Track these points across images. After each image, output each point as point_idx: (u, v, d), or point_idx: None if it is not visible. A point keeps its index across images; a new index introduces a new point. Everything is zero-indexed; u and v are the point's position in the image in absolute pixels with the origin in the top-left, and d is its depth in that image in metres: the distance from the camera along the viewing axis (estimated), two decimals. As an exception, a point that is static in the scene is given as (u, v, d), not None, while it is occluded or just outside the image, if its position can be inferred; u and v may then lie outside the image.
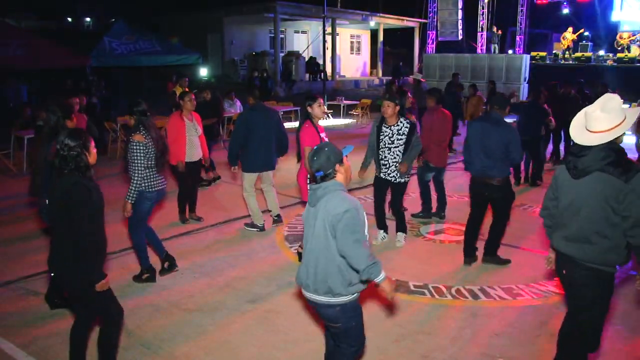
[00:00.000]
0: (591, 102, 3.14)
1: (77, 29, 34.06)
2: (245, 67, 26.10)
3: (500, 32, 23.64)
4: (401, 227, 5.91)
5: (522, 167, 8.50)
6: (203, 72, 23.03)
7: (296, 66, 25.13)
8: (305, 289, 3.00)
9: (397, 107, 5.48)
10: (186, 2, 28.26)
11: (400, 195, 5.83)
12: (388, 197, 5.93)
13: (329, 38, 23.40)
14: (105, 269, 3.29)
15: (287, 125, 10.34)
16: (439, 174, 6.76)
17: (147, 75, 17.28)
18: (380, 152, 5.59)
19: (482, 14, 23.20)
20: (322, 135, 5.17)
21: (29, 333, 4.11)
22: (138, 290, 4.85)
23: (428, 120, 6.64)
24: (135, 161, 4.68)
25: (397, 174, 5.58)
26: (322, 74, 22.39)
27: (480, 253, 5.43)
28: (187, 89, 8.59)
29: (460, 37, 23.47)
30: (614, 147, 2.92)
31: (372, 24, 29.42)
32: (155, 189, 4.85)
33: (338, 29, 28.30)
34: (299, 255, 5.48)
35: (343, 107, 17.17)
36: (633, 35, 21.12)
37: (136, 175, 4.68)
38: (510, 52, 23.00)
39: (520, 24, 22.86)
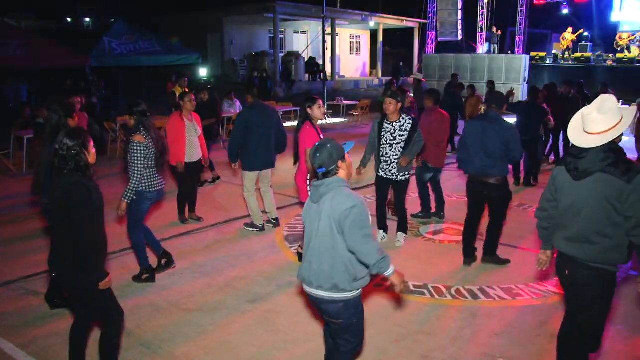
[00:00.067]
0: (590, 102, 3.14)
1: (77, 29, 34.05)
2: (245, 67, 26.11)
3: (500, 32, 23.64)
4: (402, 227, 5.92)
5: (522, 167, 8.51)
6: (203, 72, 23.02)
7: (296, 66, 25.14)
8: (308, 285, 3.00)
9: (399, 105, 5.50)
10: (186, 2, 28.26)
11: (403, 193, 5.83)
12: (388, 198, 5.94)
13: (328, 38, 23.40)
14: (106, 269, 3.29)
15: (287, 124, 10.34)
16: (437, 174, 6.79)
17: (147, 75, 17.29)
18: (382, 149, 5.59)
19: (482, 14, 23.21)
20: (322, 136, 5.19)
21: (29, 333, 4.11)
22: (138, 290, 4.85)
23: (426, 120, 6.66)
24: (135, 161, 4.68)
25: (397, 171, 5.58)
26: (322, 74, 22.40)
27: (479, 253, 5.44)
28: (186, 89, 8.59)
29: (460, 38, 23.47)
30: (613, 148, 2.93)
31: (371, 24, 29.43)
32: (155, 189, 4.87)
33: (338, 29, 28.31)
34: (299, 255, 5.48)
35: (342, 107, 17.18)
36: (632, 35, 21.14)
37: (135, 175, 4.69)
38: (509, 52, 23.01)
39: (520, 24, 22.87)
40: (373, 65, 33.15)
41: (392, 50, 34.84)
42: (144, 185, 4.77)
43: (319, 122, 5.48)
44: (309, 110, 5.26)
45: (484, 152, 5.03)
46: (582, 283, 3.08)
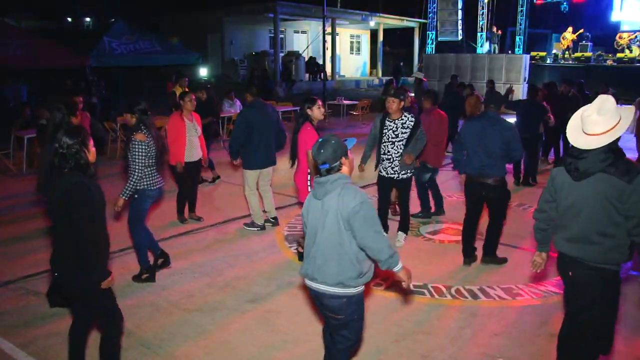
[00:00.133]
0: (590, 102, 3.14)
1: (77, 29, 34.04)
2: (245, 67, 26.12)
3: (500, 32, 23.62)
4: (404, 226, 5.91)
5: (522, 167, 8.51)
6: (203, 72, 23.06)
7: (296, 66, 25.16)
8: (312, 281, 3.00)
9: (402, 103, 5.51)
10: (186, 2, 28.27)
11: (407, 192, 5.82)
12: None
13: (328, 38, 23.42)
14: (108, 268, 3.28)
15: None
16: (434, 173, 6.83)
17: (147, 75, 17.30)
18: (383, 147, 5.58)
19: (482, 14, 23.18)
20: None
21: (29, 333, 4.11)
22: (138, 290, 4.85)
23: (425, 121, 6.66)
24: (136, 160, 4.69)
25: (399, 169, 5.58)
26: (322, 74, 22.40)
27: (479, 253, 5.43)
28: (186, 89, 8.60)
29: (460, 37, 23.46)
30: (613, 148, 2.93)
31: (372, 24, 29.44)
32: (156, 187, 4.90)
33: (338, 29, 28.31)
34: (299, 254, 5.48)
35: (343, 107, 17.18)
36: (632, 35, 21.13)
37: (135, 173, 4.69)
38: (510, 52, 22.99)
39: (520, 24, 22.85)
40: (373, 65, 33.16)
41: (392, 50, 34.85)
42: (145, 183, 4.78)
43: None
44: (308, 111, 5.25)
45: (484, 152, 5.03)
46: (583, 282, 3.08)
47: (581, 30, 22.49)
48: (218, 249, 5.90)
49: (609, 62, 20.64)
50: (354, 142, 3.08)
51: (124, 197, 4.71)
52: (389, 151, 5.57)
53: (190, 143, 6.41)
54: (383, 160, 5.63)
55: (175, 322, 4.29)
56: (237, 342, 4.01)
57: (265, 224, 6.50)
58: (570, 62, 21.88)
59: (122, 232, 5.47)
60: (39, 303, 4.55)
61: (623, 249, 2.96)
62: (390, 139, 5.53)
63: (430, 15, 23.82)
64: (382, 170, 5.69)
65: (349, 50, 32.68)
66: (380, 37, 30.75)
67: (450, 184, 8.39)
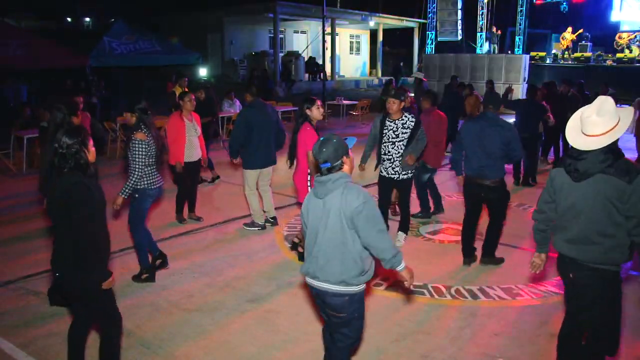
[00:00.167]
0: (590, 103, 3.14)
1: (77, 29, 34.05)
2: (245, 67, 26.13)
3: (499, 32, 23.63)
4: (404, 226, 5.92)
5: (522, 167, 8.51)
6: (203, 72, 23.04)
7: (296, 66, 25.16)
8: (314, 279, 3.00)
9: (402, 104, 5.51)
10: (186, 2, 28.28)
11: (408, 192, 5.83)
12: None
13: (328, 38, 23.42)
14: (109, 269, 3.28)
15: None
16: (432, 173, 6.85)
17: (147, 75, 17.30)
18: (384, 147, 5.59)
19: (482, 14, 23.18)
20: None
21: (29, 333, 4.11)
22: (138, 290, 4.85)
23: (424, 121, 6.66)
24: (137, 159, 4.69)
25: (401, 169, 5.58)
26: (322, 74, 22.41)
27: (479, 253, 5.44)
28: (186, 89, 8.60)
29: (459, 37, 23.46)
30: (613, 149, 2.93)
31: (371, 24, 29.45)
32: (156, 186, 4.90)
33: (337, 29, 28.32)
34: (299, 254, 5.49)
35: (342, 107, 17.18)
36: (632, 35, 21.13)
37: (136, 172, 4.69)
38: (509, 52, 23.00)
39: (520, 24, 22.85)
40: (373, 65, 33.18)
41: (392, 50, 34.87)
42: (145, 182, 4.79)
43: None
44: (308, 112, 5.26)
45: (483, 152, 5.03)
46: (583, 283, 3.09)
47: (581, 30, 22.50)
48: (218, 249, 5.90)
49: (609, 62, 20.64)
50: (355, 141, 3.09)
51: (123, 196, 4.71)
52: (389, 151, 5.57)
53: (190, 143, 6.42)
54: (384, 161, 5.64)
55: (175, 322, 4.29)
56: (237, 342, 4.01)
57: (265, 223, 6.51)
58: (570, 62, 21.89)
59: (122, 232, 5.47)
60: (39, 303, 4.55)
61: (623, 249, 2.96)
62: (390, 139, 5.53)
63: (430, 15, 23.81)
64: (383, 171, 5.69)
65: (349, 50, 32.69)
66: (380, 37, 30.75)
67: (449, 184, 8.39)
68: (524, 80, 18.82)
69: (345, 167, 2.95)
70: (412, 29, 31.58)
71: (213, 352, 3.88)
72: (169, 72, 15.55)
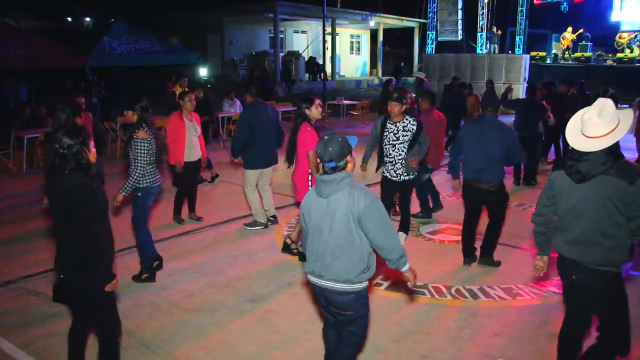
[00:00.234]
0: (591, 103, 3.13)
1: (77, 29, 34.06)
2: (245, 67, 26.13)
3: (500, 32, 23.63)
4: (404, 227, 5.92)
5: (522, 167, 8.50)
6: (203, 72, 23.06)
7: (296, 66, 25.17)
8: (319, 278, 3.00)
9: (404, 107, 5.52)
10: (186, 2, 28.29)
11: (409, 193, 5.84)
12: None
13: (328, 38, 23.42)
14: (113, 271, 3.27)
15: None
16: (431, 173, 6.87)
17: (147, 75, 17.30)
18: (385, 149, 5.59)
19: (482, 14, 23.19)
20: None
21: (29, 333, 4.11)
22: (138, 290, 4.85)
23: (425, 121, 6.67)
24: (139, 157, 4.69)
25: (403, 171, 5.58)
26: (322, 74, 22.41)
27: (479, 253, 5.43)
28: (186, 89, 8.61)
29: (460, 37, 23.46)
30: (613, 150, 2.93)
31: (371, 23, 29.45)
32: (157, 184, 4.92)
33: (338, 29, 28.32)
34: (299, 254, 5.48)
35: (342, 107, 17.18)
36: (632, 34, 21.14)
37: (137, 171, 4.70)
38: (510, 52, 23.00)
39: (520, 24, 22.85)
40: (373, 65, 33.18)
41: (392, 50, 34.89)
42: (147, 181, 4.80)
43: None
44: (307, 111, 5.26)
45: (483, 154, 5.01)
46: (583, 285, 3.09)
47: (581, 30, 22.51)
48: (218, 249, 5.90)
49: (609, 62, 20.66)
50: (355, 140, 3.08)
51: (124, 193, 4.72)
52: (390, 153, 5.57)
53: (190, 143, 6.42)
54: (386, 163, 5.64)
55: (175, 322, 4.29)
56: (237, 342, 4.01)
57: (267, 222, 6.52)
58: (570, 62, 21.91)
59: (122, 232, 5.46)
60: (39, 303, 4.55)
61: (623, 250, 2.96)
62: (390, 142, 5.54)
63: (430, 15, 23.81)
64: (385, 172, 5.70)
65: (349, 50, 32.70)
66: (380, 37, 30.75)
67: (449, 184, 8.37)
68: (524, 80, 18.82)
69: (349, 166, 2.96)
70: (412, 28, 31.58)
71: (213, 352, 3.88)
72: (169, 72, 15.56)
